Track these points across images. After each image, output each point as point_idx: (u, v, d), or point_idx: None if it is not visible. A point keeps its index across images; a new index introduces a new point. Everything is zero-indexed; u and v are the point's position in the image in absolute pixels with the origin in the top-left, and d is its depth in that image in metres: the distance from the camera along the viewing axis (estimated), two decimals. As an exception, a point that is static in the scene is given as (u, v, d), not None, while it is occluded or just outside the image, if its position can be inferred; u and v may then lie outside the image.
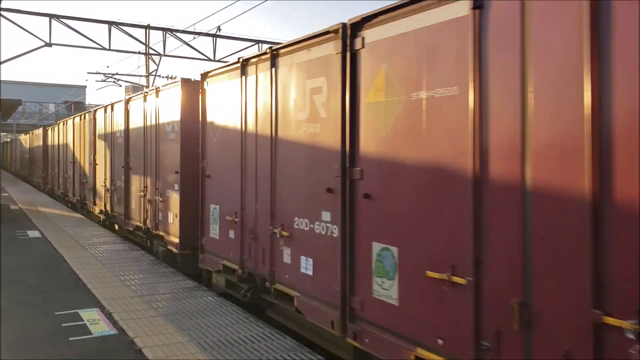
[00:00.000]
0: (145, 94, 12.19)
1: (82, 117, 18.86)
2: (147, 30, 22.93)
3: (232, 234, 8.04)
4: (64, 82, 73.79)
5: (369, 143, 5.33)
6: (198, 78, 9.35)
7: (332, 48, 5.84)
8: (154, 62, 28.88)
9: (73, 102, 54.00)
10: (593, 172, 3.32)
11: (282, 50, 6.83)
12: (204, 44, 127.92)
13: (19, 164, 44.57)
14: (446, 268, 4.32)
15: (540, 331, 3.65)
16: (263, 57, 7.27)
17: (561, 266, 3.50)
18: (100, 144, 16.22)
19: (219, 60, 23.70)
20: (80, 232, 14.49)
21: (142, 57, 28.96)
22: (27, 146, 37.94)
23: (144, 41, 23.15)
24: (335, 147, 5.76)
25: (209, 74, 9.02)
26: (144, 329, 6.59)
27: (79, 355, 5.79)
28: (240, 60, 7.81)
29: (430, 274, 4.47)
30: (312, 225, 6.17)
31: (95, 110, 17.03)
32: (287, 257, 6.66)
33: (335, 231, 5.76)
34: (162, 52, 23.61)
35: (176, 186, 10.22)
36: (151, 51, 24.44)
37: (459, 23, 4.26)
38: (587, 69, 3.34)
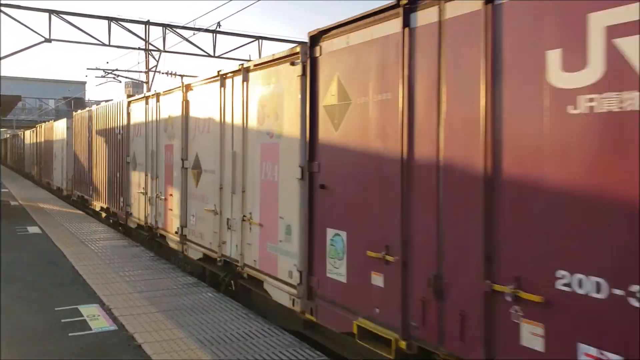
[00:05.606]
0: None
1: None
2: (147, 26, 22.85)
3: (378, 280, 5.25)
4: (64, 78, 73.76)
5: None
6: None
7: None
8: (153, 58, 28.91)
9: (73, 98, 54.04)
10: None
11: None
12: (204, 40, 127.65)
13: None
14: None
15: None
16: None
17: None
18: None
19: (219, 57, 23.64)
20: (80, 228, 14.51)
21: (142, 53, 28.96)
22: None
23: (143, 37, 23.09)
24: None
25: (328, 33, 5.96)
26: (143, 324, 6.60)
27: (78, 350, 5.80)
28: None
29: None
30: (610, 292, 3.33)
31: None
32: (533, 341, 3.80)
33: None
34: (161, 48, 23.56)
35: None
36: (151, 47, 24.39)
37: None
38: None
